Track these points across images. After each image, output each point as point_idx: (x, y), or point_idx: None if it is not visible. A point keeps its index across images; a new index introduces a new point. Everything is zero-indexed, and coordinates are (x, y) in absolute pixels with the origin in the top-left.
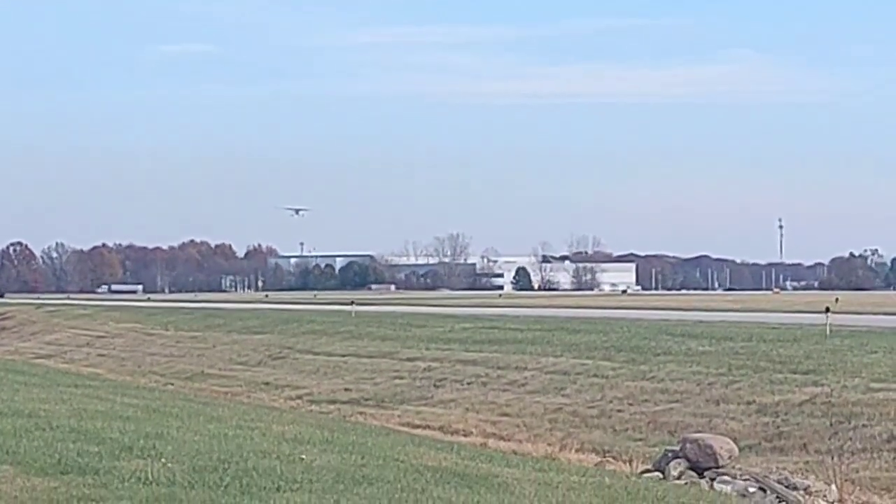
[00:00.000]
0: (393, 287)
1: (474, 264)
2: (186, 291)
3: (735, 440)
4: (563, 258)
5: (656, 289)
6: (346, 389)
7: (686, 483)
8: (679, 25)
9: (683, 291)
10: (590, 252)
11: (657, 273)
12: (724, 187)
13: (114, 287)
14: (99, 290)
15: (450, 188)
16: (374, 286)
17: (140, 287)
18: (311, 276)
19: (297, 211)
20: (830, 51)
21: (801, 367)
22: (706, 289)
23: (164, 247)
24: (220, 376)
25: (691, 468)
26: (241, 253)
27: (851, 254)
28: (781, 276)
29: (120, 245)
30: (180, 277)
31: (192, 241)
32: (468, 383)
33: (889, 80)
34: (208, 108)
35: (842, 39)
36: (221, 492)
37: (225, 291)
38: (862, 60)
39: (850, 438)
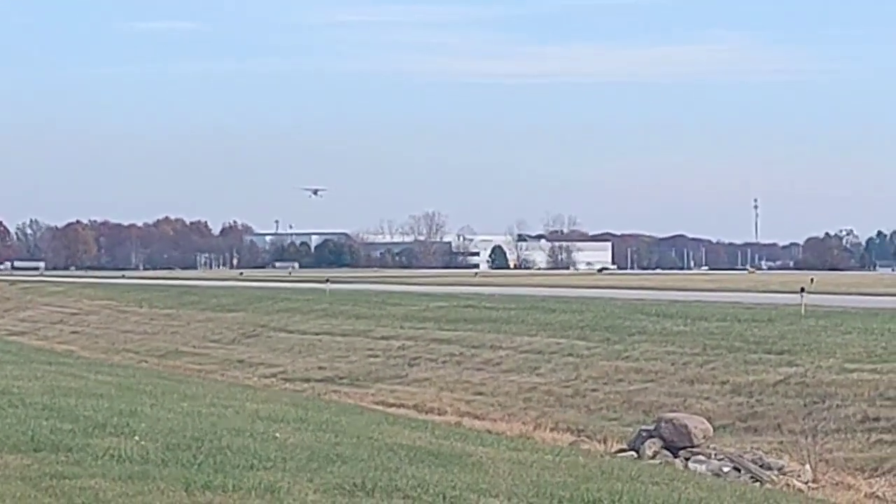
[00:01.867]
0: (296, 265)
1: (450, 243)
2: (161, 269)
3: (710, 420)
4: (539, 237)
5: (632, 268)
6: (320, 368)
7: (661, 462)
8: (658, 5)
9: (659, 271)
10: (566, 231)
11: (633, 252)
12: (700, 167)
13: (16, 264)
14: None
15: (426, 167)
16: (277, 264)
17: (42, 264)
18: (286, 254)
19: (315, 192)
20: (808, 30)
21: (775, 348)
22: (682, 268)
23: (139, 224)
24: (194, 354)
25: (666, 448)
26: (216, 230)
27: (827, 234)
28: (757, 256)
29: (95, 222)
30: (155, 255)
31: (166, 218)
32: (443, 362)
33: (865, 60)
34: (184, 85)
35: (819, 19)
36: (195, 469)
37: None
38: (839, 40)
39: (825, 419)
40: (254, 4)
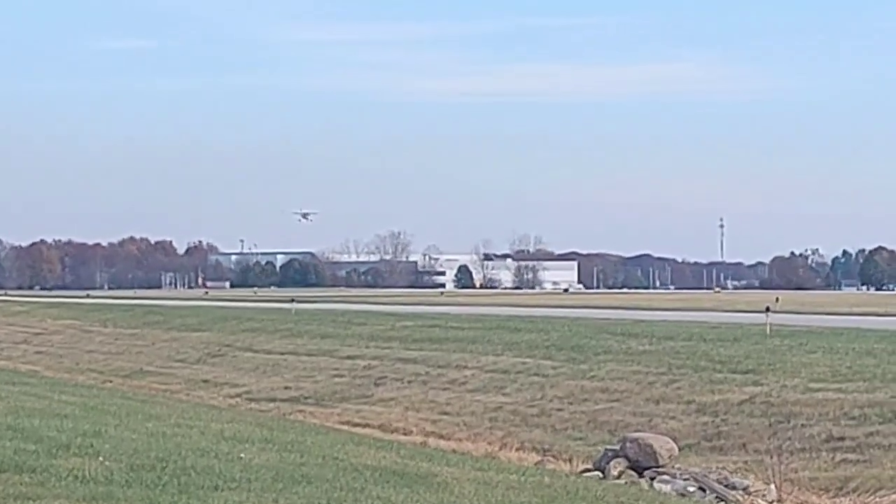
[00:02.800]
0: (228, 284)
1: (416, 262)
2: (126, 288)
3: (675, 439)
4: (505, 256)
5: (598, 287)
6: (285, 387)
7: (626, 482)
8: (624, 24)
9: (625, 290)
10: (531, 250)
11: (599, 272)
12: (665, 186)
13: None
14: None
15: (392, 186)
16: (209, 283)
17: None
18: (252, 274)
19: (304, 215)
20: (773, 50)
21: (741, 367)
22: (647, 287)
23: (104, 243)
24: (159, 374)
25: (631, 467)
26: (181, 250)
27: (792, 253)
28: (722, 276)
29: (59, 241)
30: (120, 274)
31: (131, 237)
32: (408, 382)
33: (830, 80)
34: (148, 104)
35: (785, 39)
36: (159, 490)
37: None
38: (804, 59)
39: (790, 438)
40: (218, 23)
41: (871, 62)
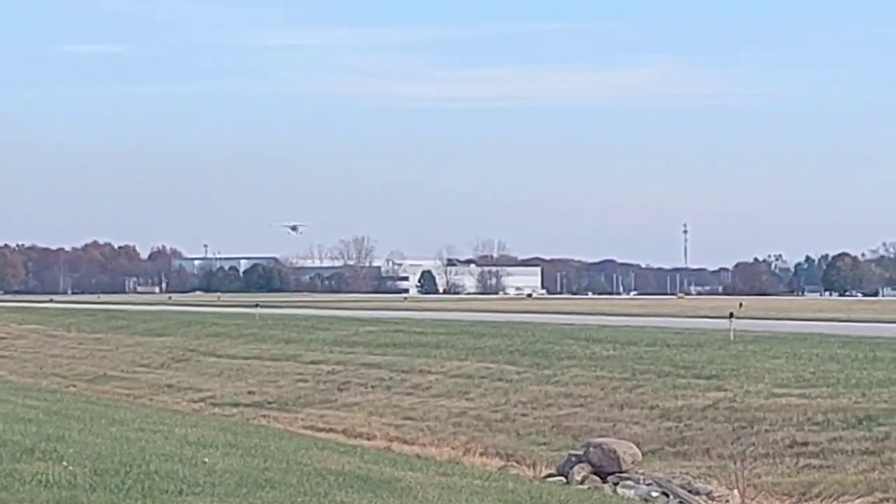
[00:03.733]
0: (157, 290)
1: (379, 267)
2: (89, 293)
3: (638, 445)
4: (469, 262)
5: (561, 293)
6: (249, 392)
7: (589, 487)
8: (589, 30)
9: (589, 296)
10: (495, 256)
11: (562, 277)
12: (629, 192)
13: None
14: None
15: (356, 191)
16: (140, 288)
17: None
18: (215, 279)
19: (294, 227)
20: (738, 55)
21: (704, 372)
22: (611, 293)
23: (67, 248)
24: (123, 378)
25: (595, 473)
26: (144, 254)
27: (756, 259)
28: (686, 281)
29: (22, 246)
30: (83, 279)
31: (95, 242)
32: (372, 387)
33: (794, 85)
34: (112, 109)
35: (750, 44)
36: (123, 495)
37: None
38: (769, 64)
39: (753, 443)
40: (184, 28)
41: (835, 69)
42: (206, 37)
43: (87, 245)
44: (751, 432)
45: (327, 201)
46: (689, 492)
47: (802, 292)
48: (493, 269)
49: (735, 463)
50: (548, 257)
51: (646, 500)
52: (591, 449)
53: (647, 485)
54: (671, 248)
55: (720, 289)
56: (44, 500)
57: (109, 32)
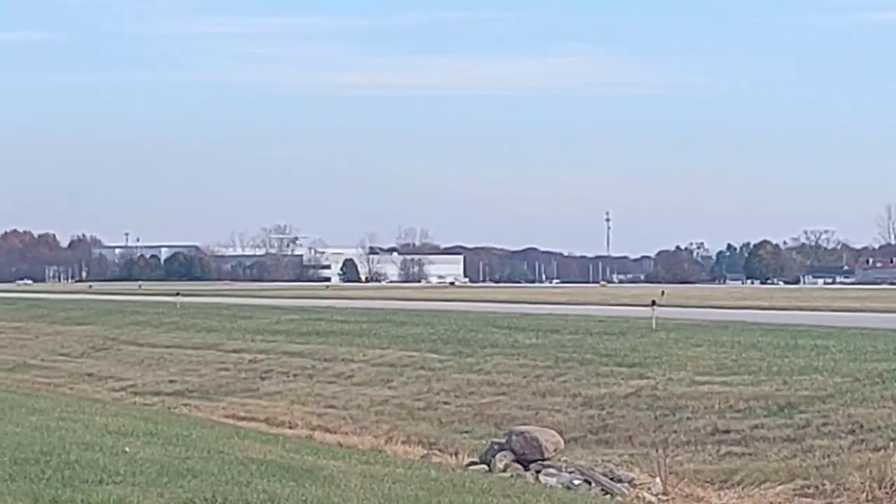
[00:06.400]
0: (30, 281)
1: (301, 256)
2: (8, 281)
3: (561, 433)
4: (391, 250)
5: (484, 281)
6: (170, 381)
7: (511, 475)
8: (512, 19)
9: (511, 284)
10: (417, 244)
11: (485, 265)
12: (552, 180)
13: None
14: None
15: (277, 179)
16: (19, 281)
17: None
18: (136, 267)
19: (288, 236)
20: (658, 45)
21: (626, 360)
22: (534, 281)
23: None
24: (43, 367)
25: (517, 461)
26: (64, 243)
27: (678, 247)
28: (608, 269)
29: None
30: (3, 267)
31: (14, 230)
32: (294, 375)
33: (714, 75)
34: (31, 96)
35: (669, 34)
36: (43, 484)
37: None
38: (688, 54)
39: (675, 431)
40: (109, 15)
41: (756, 60)
42: (126, 25)
43: (6, 233)
44: (673, 420)
45: (249, 189)
46: (612, 479)
47: (724, 280)
48: (416, 257)
49: (657, 450)
50: (470, 245)
51: (568, 487)
52: (514, 437)
53: (570, 473)
54: (594, 237)
55: (642, 277)
56: None
57: (26, 20)
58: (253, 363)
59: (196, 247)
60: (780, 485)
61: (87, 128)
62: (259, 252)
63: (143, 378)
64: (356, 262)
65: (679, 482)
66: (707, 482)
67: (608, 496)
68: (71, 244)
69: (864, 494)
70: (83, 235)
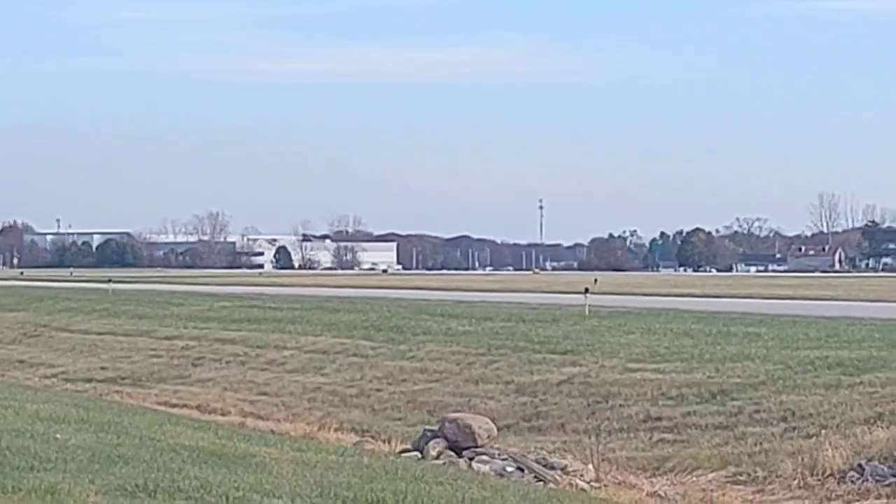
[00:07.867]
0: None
1: (234, 243)
2: None
3: (494, 420)
4: (324, 237)
5: (417, 268)
6: (102, 368)
7: (444, 462)
8: (446, 5)
9: (444, 271)
10: (350, 231)
11: (418, 253)
12: (485, 168)
13: None
14: None
15: (210, 166)
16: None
17: None
18: (68, 254)
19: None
20: (594, 34)
21: (559, 348)
22: (467, 269)
23: None
24: None
25: (450, 448)
26: None
27: (611, 235)
28: (541, 257)
29: None
30: None
31: None
32: (227, 362)
33: (651, 65)
34: None
35: (607, 23)
36: None
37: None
38: (626, 44)
39: (608, 418)
40: (35, 1)
41: (688, 51)
42: (54, 12)
43: None
44: (605, 407)
45: (181, 175)
46: (545, 466)
47: (657, 268)
48: (349, 244)
49: (590, 438)
50: (403, 233)
51: (501, 474)
52: (447, 424)
53: (503, 460)
54: (526, 225)
55: (575, 264)
56: None
57: None
58: (185, 350)
59: (128, 233)
60: (712, 472)
61: (17, 115)
62: (191, 239)
63: (74, 365)
64: (289, 248)
65: (612, 469)
66: (639, 469)
67: (541, 483)
68: (2, 230)
69: (796, 481)
70: (14, 222)
